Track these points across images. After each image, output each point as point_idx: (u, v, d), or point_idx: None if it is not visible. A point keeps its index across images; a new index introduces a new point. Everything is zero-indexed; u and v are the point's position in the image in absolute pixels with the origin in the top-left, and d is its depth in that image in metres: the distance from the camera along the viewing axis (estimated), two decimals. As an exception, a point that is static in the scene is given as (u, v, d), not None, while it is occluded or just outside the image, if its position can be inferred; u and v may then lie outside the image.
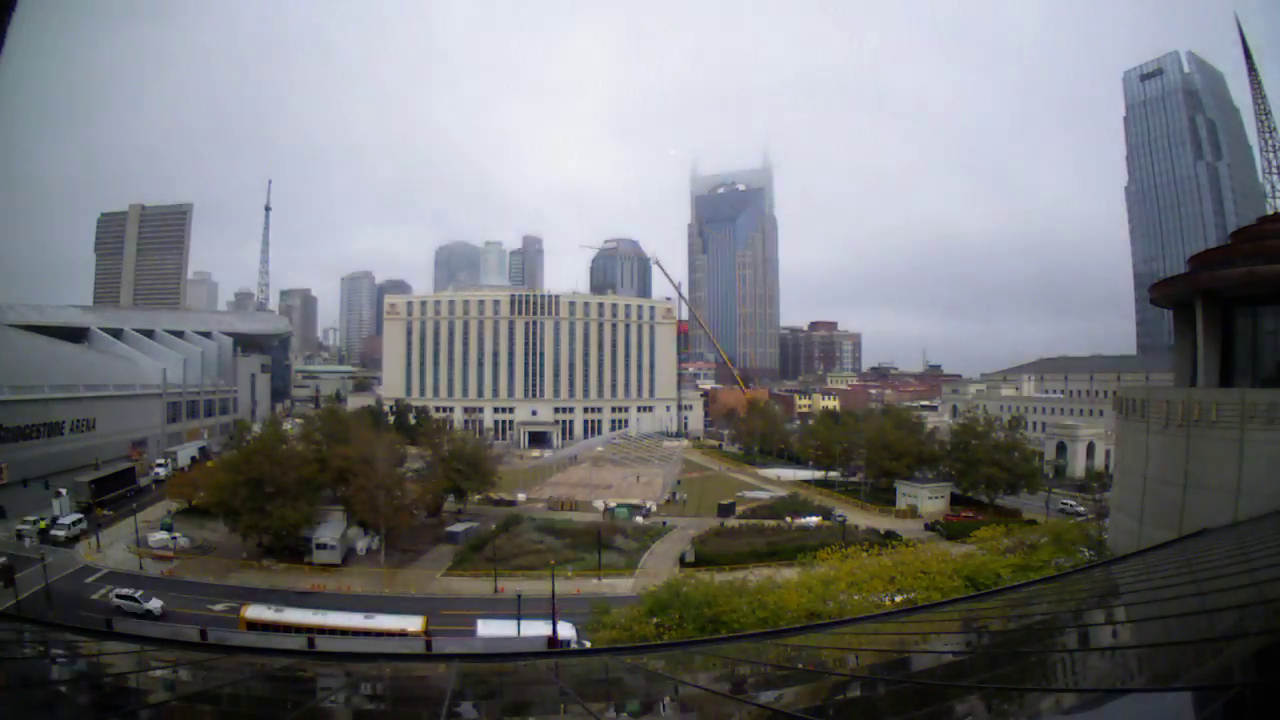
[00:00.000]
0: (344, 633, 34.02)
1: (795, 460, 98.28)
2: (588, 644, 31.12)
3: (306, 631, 31.87)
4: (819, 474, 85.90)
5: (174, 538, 53.06)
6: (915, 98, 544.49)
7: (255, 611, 36.19)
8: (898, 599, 28.31)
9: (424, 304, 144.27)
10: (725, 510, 66.81)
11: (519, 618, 34.74)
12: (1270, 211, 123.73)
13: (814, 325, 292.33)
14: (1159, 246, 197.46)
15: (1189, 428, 24.39)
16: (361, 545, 52.87)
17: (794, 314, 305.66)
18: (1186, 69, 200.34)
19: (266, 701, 9.49)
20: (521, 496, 72.30)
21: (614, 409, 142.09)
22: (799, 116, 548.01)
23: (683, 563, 48.98)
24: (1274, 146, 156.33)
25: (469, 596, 44.60)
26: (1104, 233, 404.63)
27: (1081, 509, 67.30)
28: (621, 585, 45.67)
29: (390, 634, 33.52)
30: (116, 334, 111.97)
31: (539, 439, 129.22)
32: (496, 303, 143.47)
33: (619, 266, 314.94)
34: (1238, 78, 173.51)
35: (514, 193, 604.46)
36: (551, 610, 33.99)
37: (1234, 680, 5.18)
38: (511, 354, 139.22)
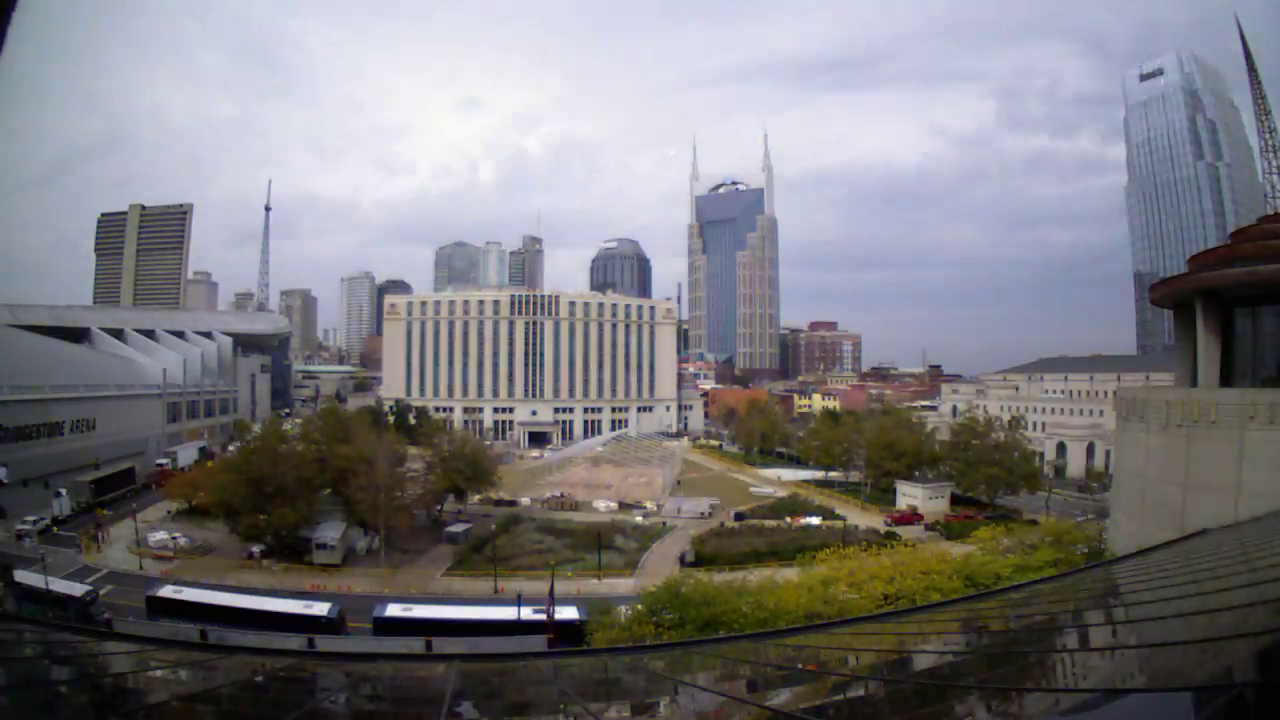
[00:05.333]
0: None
1: (795, 460, 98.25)
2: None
3: None
4: (819, 474, 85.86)
5: (174, 537, 53.09)
6: (915, 97, 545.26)
7: None
8: (899, 601, 28.29)
9: (424, 304, 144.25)
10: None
11: (519, 615, 34.75)
12: (1270, 211, 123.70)
13: (814, 325, 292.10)
14: (1159, 246, 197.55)
15: (1189, 428, 24.40)
16: (361, 545, 52.85)
17: (794, 314, 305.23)
18: (1186, 69, 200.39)
19: (266, 701, 9.48)
20: (525, 501, 72.02)
21: (614, 409, 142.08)
22: (800, 116, 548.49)
23: (683, 563, 48.96)
24: (1274, 146, 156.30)
25: (469, 596, 44.59)
26: (1104, 233, 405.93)
27: (1081, 509, 67.29)
28: (622, 585, 45.62)
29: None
30: (117, 334, 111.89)
31: (539, 439, 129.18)
32: (496, 303, 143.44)
33: (619, 266, 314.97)
34: (1238, 78, 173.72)
35: (515, 193, 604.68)
36: (549, 609, 34.01)
37: (1234, 680, 5.18)
38: (511, 354, 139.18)
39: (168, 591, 37.21)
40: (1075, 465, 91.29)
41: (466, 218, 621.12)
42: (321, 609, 36.39)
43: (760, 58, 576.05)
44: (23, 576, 37.14)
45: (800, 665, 11.48)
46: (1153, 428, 26.62)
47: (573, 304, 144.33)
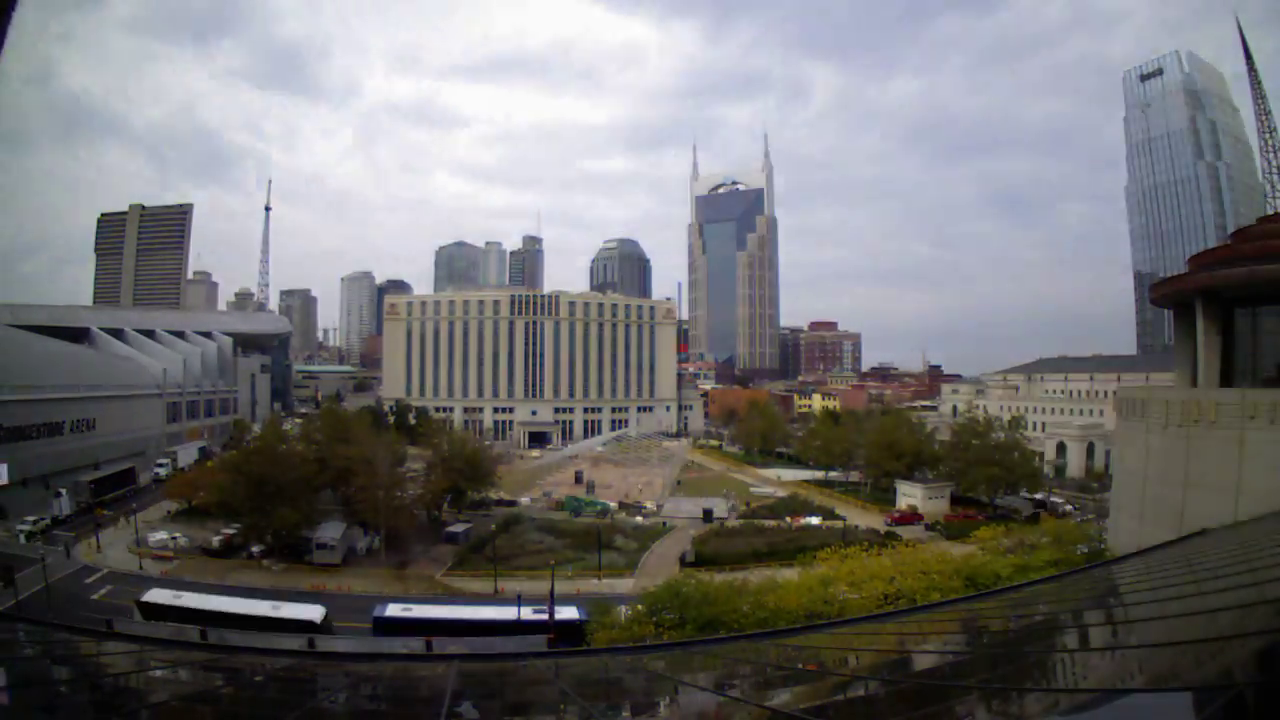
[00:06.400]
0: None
1: (795, 460, 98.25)
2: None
3: None
4: (819, 474, 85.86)
5: (174, 537, 53.08)
6: (916, 97, 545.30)
7: None
8: (899, 601, 28.28)
9: (424, 304, 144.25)
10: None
11: (519, 615, 34.74)
12: (1270, 211, 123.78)
13: (814, 325, 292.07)
14: (1159, 246, 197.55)
15: (1189, 428, 24.39)
16: (361, 545, 52.84)
17: (794, 314, 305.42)
18: (1186, 69, 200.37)
19: (266, 701, 9.48)
20: (525, 500, 72.03)
21: (614, 409, 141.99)
22: (800, 115, 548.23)
23: (683, 563, 48.94)
24: (1274, 146, 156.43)
25: (469, 596, 44.59)
26: (1104, 233, 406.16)
27: (1070, 506, 67.53)
28: (622, 585, 45.64)
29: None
30: (117, 334, 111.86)
31: (539, 439, 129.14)
32: (496, 303, 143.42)
33: (619, 266, 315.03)
34: (1238, 78, 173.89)
35: (515, 193, 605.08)
36: (550, 608, 34.01)
37: (1234, 680, 5.18)
38: (511, 354, 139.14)
39: (162, 596, 36.04)
40: (1075, 465, 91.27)
41: (467, 217, 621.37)
42: (312, 612, 35.47)
43: (763, 53, 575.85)
44: None
45: (800, 665, 11.48)
46: (1153, 427, 26.60)
47: (573, 304, 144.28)
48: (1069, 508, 67.72)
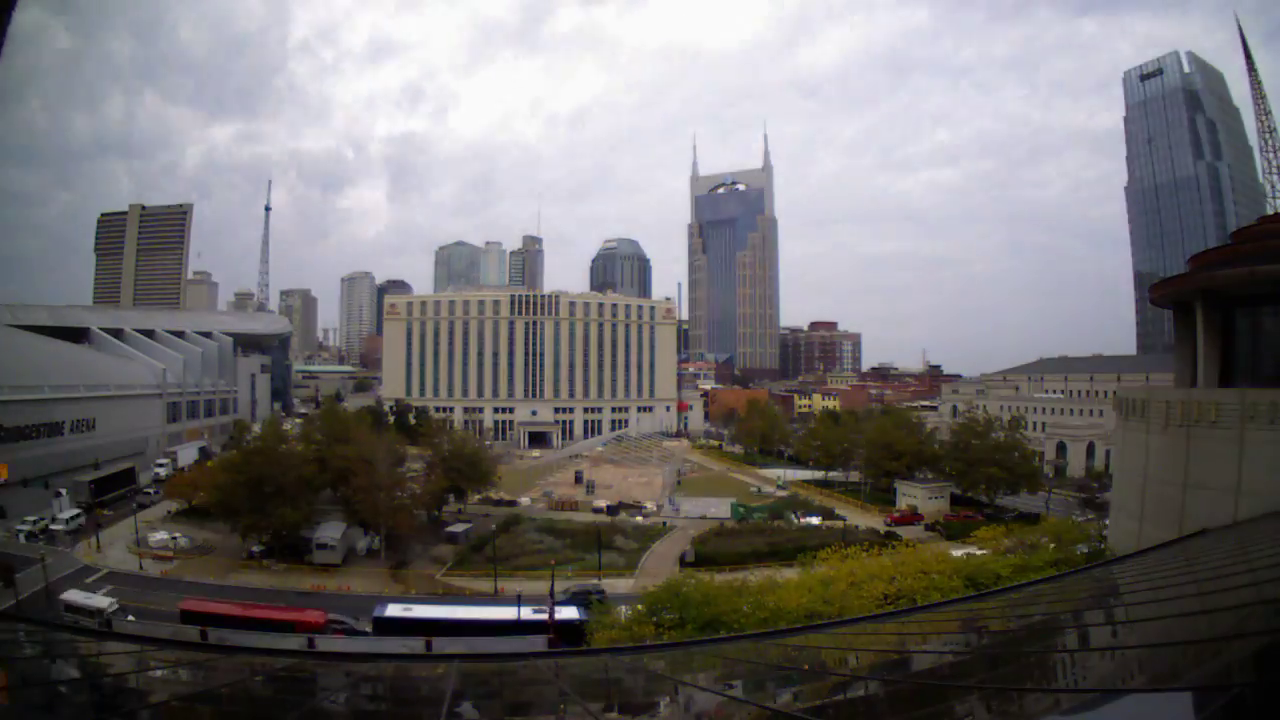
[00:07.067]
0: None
1: (795, 460, 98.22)
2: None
3: None
4: (819, 474, 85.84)
5: (174, 537, 53.08)
6: (916, 98, 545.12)
7: None
8: (899, 601, 28.25)
9: (424, 304, 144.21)
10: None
11: (519, 615, 34.75)
12: (1270, 211, 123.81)
13: (814, 325, 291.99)
14: (1159, 246, 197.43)
15: (1189, 428, 24.38)
16: (361, 545, 52.85)
17: (794, 314, 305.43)
18: (1186, 69, 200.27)
19: (266, 701, 9.48)
20: (525, 500, 72.03)
21: (614, 409, 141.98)
22: (799, 115, 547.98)
23: (683, 563, 48.95)
24: (1274, 146, 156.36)
25: (469, 596, 44.59)
26: (1104, 233, 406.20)
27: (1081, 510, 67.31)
28: (622, 585, 45.63)
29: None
30: (116, 334, 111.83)
31: (539, 439, 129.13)
32: (496, 303, 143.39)
33: (619, 266, 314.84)
34: (1238, 78, 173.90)
35: (515, 193, 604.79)
36: (551, 608, 34.03)
37: (1234, 680, 5.18)
38: (511, 354, 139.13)
39: (395, 610, 35.97)
40: (1075, 465, 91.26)
41: (467, 217, 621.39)
42: (572, 612, 34.82)
43: (763, 54, 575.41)
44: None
45: (800, 665, 11.48)
46: (1153, 427, 26.59)
47: (573, 304, 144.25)
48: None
